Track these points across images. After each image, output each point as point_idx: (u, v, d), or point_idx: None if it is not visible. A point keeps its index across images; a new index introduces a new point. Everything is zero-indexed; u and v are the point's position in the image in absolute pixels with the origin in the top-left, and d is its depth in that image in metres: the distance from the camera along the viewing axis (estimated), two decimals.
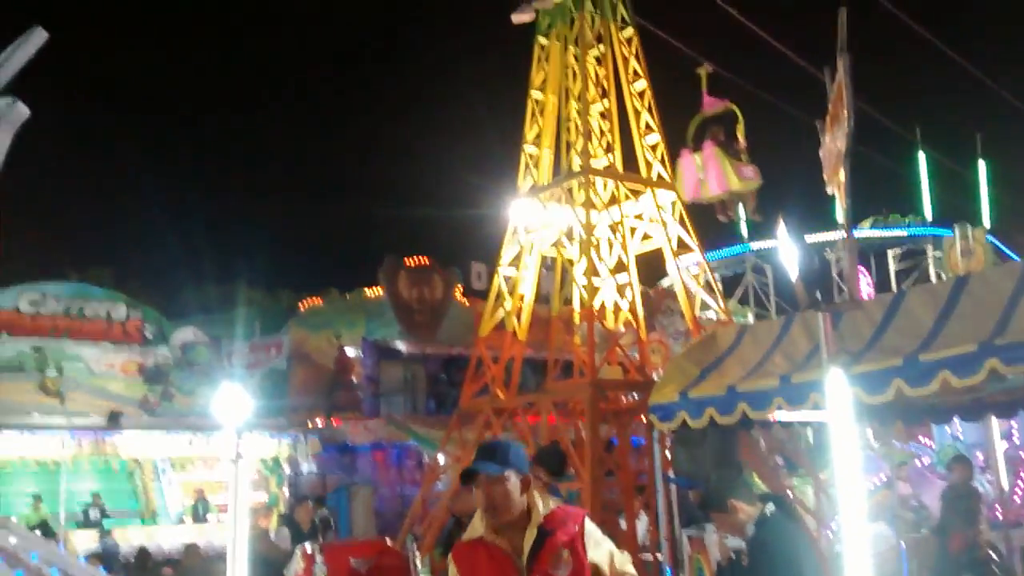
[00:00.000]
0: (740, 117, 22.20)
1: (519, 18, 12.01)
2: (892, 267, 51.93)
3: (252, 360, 36.84)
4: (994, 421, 16.46)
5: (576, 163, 25.35)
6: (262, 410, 28.82)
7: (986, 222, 46.99)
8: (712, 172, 23.55)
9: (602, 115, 26.01)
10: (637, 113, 26.25)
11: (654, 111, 26.25)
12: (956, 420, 18.03)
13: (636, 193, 25.79)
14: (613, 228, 25.40)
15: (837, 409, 6.76)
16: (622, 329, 25.07)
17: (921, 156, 48.59)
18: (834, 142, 13.16)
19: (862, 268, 47.24)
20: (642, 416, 18.17)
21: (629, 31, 26.57)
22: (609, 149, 25.95)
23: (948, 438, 22.33)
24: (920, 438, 23.12)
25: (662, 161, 25.92)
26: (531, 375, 32.45)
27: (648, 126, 26.19)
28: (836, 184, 12.88)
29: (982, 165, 49.08)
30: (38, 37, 10.48)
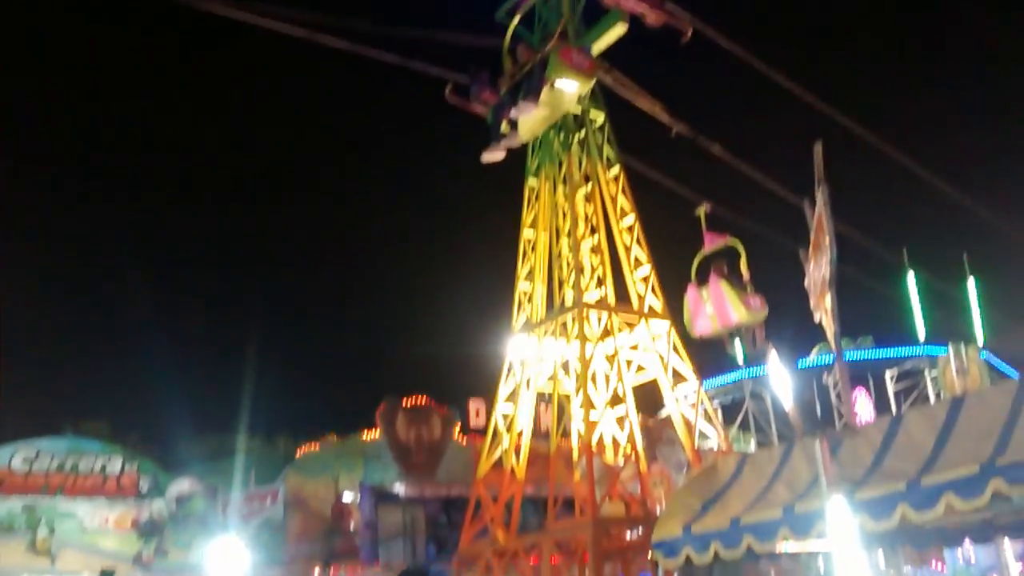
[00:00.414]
0: (742, 251, 22.54)
1: (490, 157, 12.34)
2: (891, 387, 51.79)
3: (248, 510, 36.16)
4: (1006, 542, 16.13)
5: (569, 298, 25.65)
6: (259, 561, 28.11)
7: (979, 340, 47.17)
8: (720, 306, 23.64)
9: (592, 250, 26.48)
10: (627, 247, 26.74)
11: (643, 244, 26.75)
12: (967, 542, 17.68)
13: (630, 324, 25.99)
14: (609, 360, 25.48)
15: (841, 537, 6.70)
16: (622, 463, 24.79)
17: (910, 276, 49.22)
18: (818, 270, 13.44)
19: (862, 389, 47.09)
20: (647, 553, 17.80)
21: (616, 169, 27.36)
22: (601, 283, 26.31)
23: (960, 562, 21.82)
24: (932, 562, 22.60)
25: (654, 292, 26.22)
26: (532, 514, 31.84)
27: (638, 259, 26.63)
28: (823, 311, 13.10)
29: (971, 283, 49.65)
30: None
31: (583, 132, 27.60)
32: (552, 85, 12.49)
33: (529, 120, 12.97)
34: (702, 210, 22.63)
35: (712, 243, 22.66)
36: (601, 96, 28.13)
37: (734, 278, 22.39)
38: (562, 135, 27.14)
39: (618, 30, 25.92)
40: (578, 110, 24.78)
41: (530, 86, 12.80)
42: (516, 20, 12.76)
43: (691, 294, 22.27)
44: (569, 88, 13.02)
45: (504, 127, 12.75)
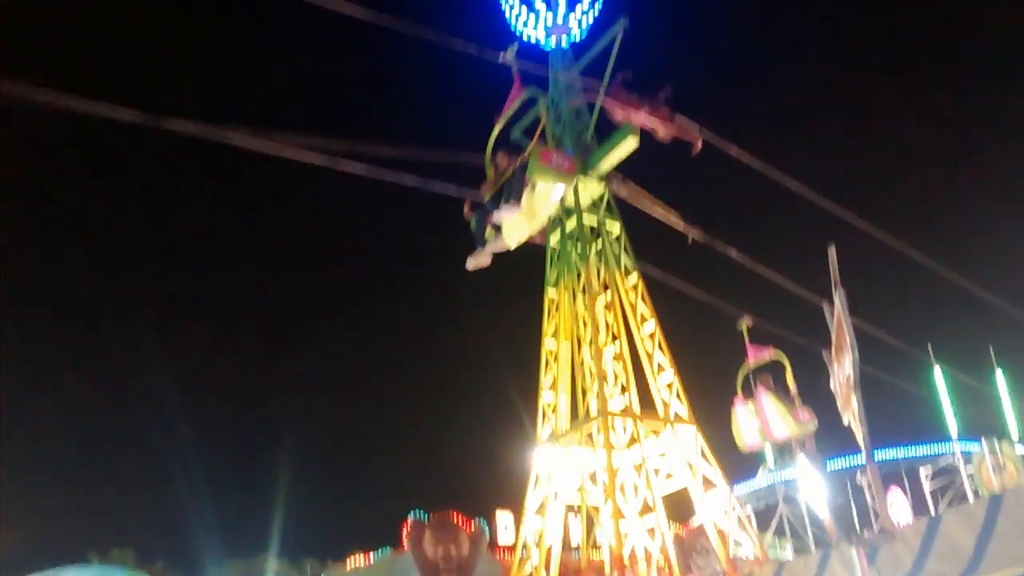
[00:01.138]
0: (787, 364, 22.42)
1: (475, 263, 12.19)
2: (927, 486, 50.58)
3: None
4: None
5: (593, 407, 25.57)
6: None
7: (1013, 434, 46.25)
8: (768, 420, 23.30)
9: (615, 358, 26.52)
10: (649, 354, 26.77)
11: (665, 350, 26.77)
12: None
13: (656, 432, 25.81)
14: (636, 469, 25.21)
15: None
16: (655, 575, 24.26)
17: (937, 372, 48.61)
18: (842, 372, 13.43)
19: (898, 489, 46.03)
20: None
21: (634, 277, 27.62)
22: (625, 390, 26.24)
23: None
24: None
25: (678, 397, 26.11)
26: None
27: (660, 365, 26.62)
28: (851, 413, 13.04)
29: (1000, 376, 48.92)
30: None
31: (600, 242, 28.02)
32: (533, 187, 12.53)
33: (513, 224, 13.02)
34: (744, 324, 22.48)
35: (757, 356, 22.42)
36: (616, 207, 28.67)
37: (780, 391, 22.07)
38: (579, 246, 27.57)
39: (630, 144, 26.59)
40: (555, 211, 25.20)
41: (511, 190, 12.82)
42: (497, 129, 12.75)
43: (739, 408, 21.84)
44: (551, 190, 13.11)
45: (489, 232, 12.81)
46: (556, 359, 27.10)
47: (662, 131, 25.91)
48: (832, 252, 13.93)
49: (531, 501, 25.98)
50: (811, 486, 17.46)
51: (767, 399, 21.07)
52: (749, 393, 22.00)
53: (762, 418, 20.85)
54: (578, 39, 31.12)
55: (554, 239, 28.54)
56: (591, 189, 28.03)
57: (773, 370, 22.23)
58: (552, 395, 26.89)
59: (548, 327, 27.57)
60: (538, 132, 12.41)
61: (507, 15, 31.24)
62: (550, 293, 27.75)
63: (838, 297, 13.52)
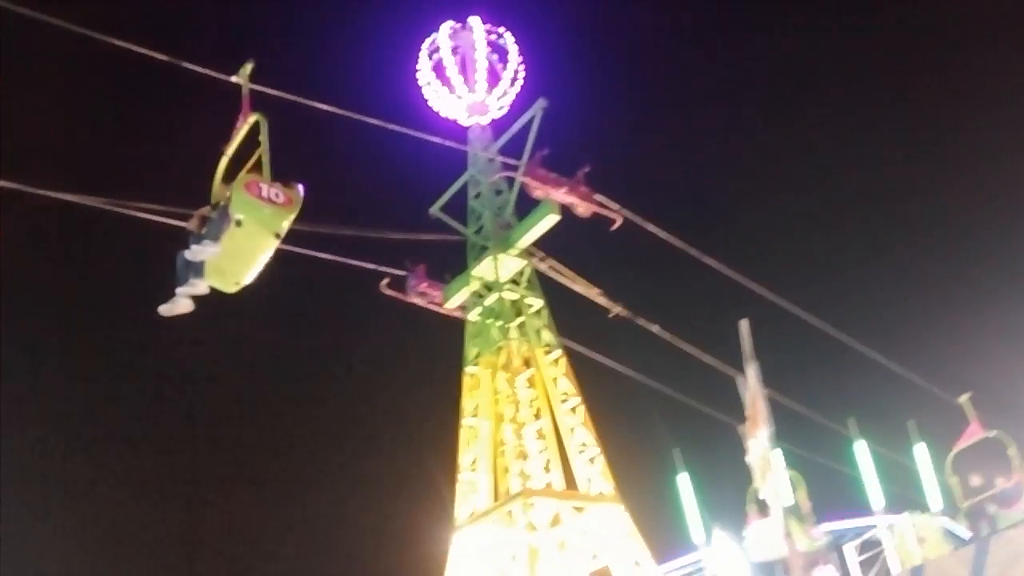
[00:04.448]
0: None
1: (170, 309, 11.23)
2: (853, 560, 50.69)
3: None
4: None
5: (514, 485, 25.07)
6: None
7: (934, 506, 46.81)
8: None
9: (538, 435, 26.17)
10: (572, 430, 26.49)
11: (590, 426, 26.52)
12: None
13: (580, 509, 25.37)
14: (560, 549, 24.66)
15: None
16: None
17: (861, 446, 49.13)
18: (758, 446, 13.34)
19: (826, 565, 45.92)
20: None
21: (557, 352, 27.46)
22: (548, 468, 25.85)
23: None
24: None
25: (603, 475, 25.80)
26: None
27: (584, 443, 26.34)
28: (767, 487, 12.91)
29: (920, 449, 49.64)
30: None
31: (521, 318, 27.89)
32: (238, 223, 11.22)
33: (220, 266, 11.63)
34: (966, 400, 21.71)
35: (970, 436, 21.69)
36: (538, 282, 28.63)
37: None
38: (500, 322, 27.38)
39: (550, 220, 26.71)
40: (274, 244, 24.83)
41: (211, 227, 11.38)
42: (225, 160, 11.28)
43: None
44: (263, 227, 11.51)
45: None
46: (476, 437, 26.64)
47: (582, 208, 26.08)
48: (745, 326, 13.94)
49: None
50: (731, 565, 17.23)
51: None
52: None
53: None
54: (497, 117, 31.48)
55: (473, 314, 28.28)
56: (512, 264, 27.98)
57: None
58: (472, 474, 26.34)
59: (467, 404, 27.15)
60: (253, 160, 11.17)
61: (424, 92, 31.41)
62: (468, 370, 27.40)
63: (751, 370, 13.51)
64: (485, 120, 31.42)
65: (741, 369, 14.01)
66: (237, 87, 11.27)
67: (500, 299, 27.69)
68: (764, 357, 13.94)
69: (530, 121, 27.56)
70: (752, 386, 13.33)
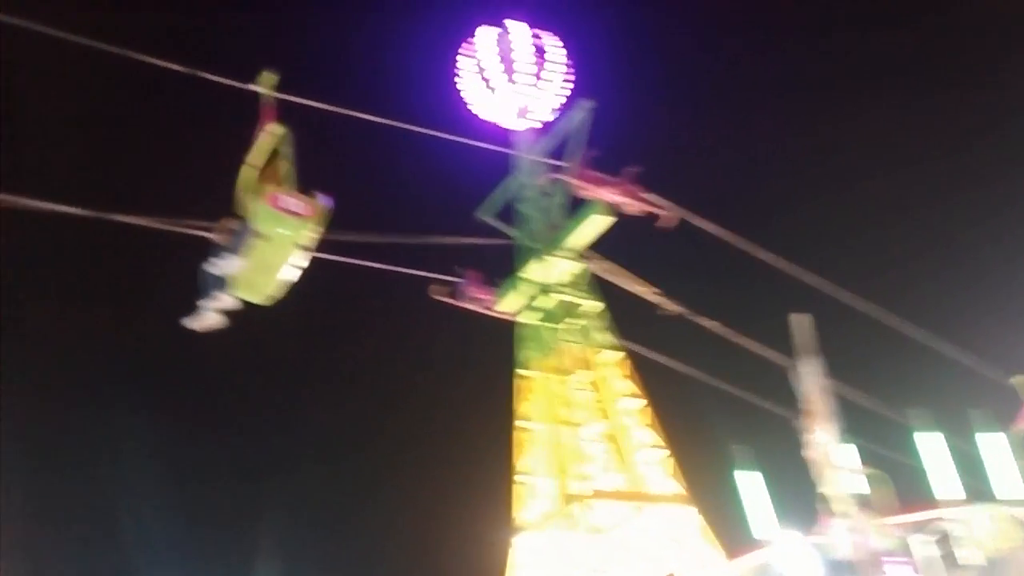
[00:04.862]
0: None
1: (200, 323, 10.98)
2: (921, 554, 49.46)
3: None
4: None
5: (576, 488, 24.94)
6: None
7: (1004, 494, 45.47)
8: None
9: (600, 437, 26.03)
10: (635, 430, 26.29)
11: (657, 426, 26.26)
12: None
13: (645, 511, 25.14)
14: (625, 552, 24.49)
15: None
16: None
17: (926, 437, 47.90)
18: (819, 441, 13.20)
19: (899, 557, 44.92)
20: None
21: (618, 354, 27.24)
22: (612, 470, 25.71)
23: None
24: None
25: (671, 475, 25.58)
26: None
27: (650, 443, 26.12)
28: (829, 482, 12.76)
29: (989, 437, 48.25)
30: None
31: (577, 320, 27.78)
32: (264, 235, 11.13)
33: (246, 279, 11.53)
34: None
35: None
36: (596, 285, 28.40)
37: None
38: (555, 324, 27.30)
39: (601, 221, 26.55)
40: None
41: (234, 240, 11.23)
42: (248, 169, 11.03)
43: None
44: (289, 238, 11.37)
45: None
46: (533, 440, 26.56)
47: (631, 207, 25.90)
48: (802, 320, 13.77)
49: None
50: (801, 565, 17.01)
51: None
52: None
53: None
54: (544, 120, 31.23)
55: (526, 317, 28.14)
56: (564, 267, 27.84)
57: None
58: (530, 477, 26.27)
59: (523, 407, 27.06)
60: (275, 171, 10.98)
61: (464, 97, 31.33)
62: (523, 373, 27.31)
63: (809, 365, 13.34)
64: (531, 124, 31.25)
65: (797, 364, 13.85)
66: (266, 97, 11.28)
67: (555, 301, 27.60)
68: (822, 351, 13.75)
69: (576, 123, 27.49)
70: (813, 381, 13.19)
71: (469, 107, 31.30)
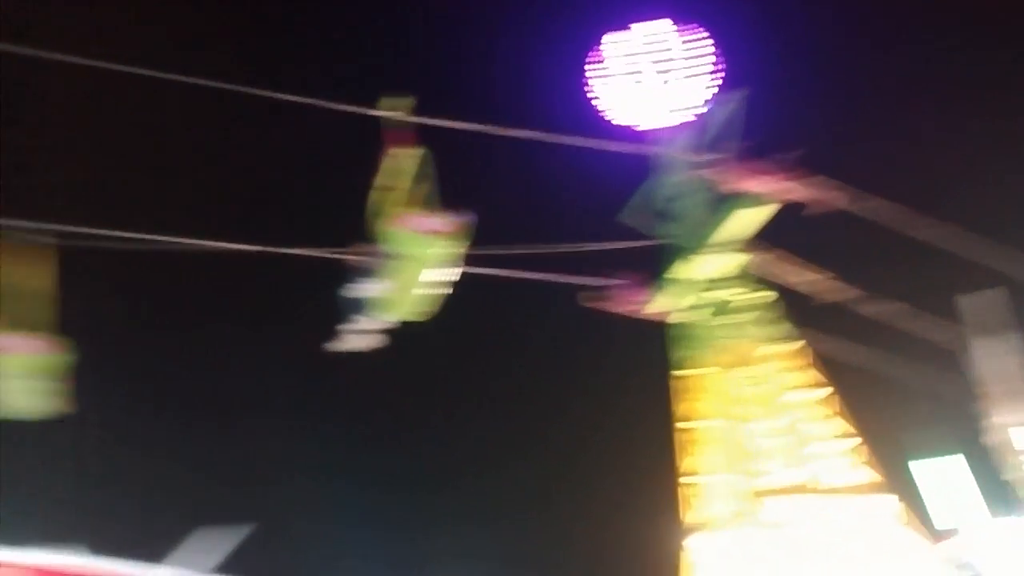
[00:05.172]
0: None
1: (349, 343, 10.64)
2: None
3: None
4: None
5: (753, 484, 24.36)
6: None
7: None
8: None
9: (783, 430, 25.37)
10: (819, 421, 25.51)
11: (846, 415, 25.36)
12: None
13: (835, 504, 24.29)
14: (813, 547, 23.66)
15: None
16: None
17: None
18: (1001, 425, 12.31)
19: None
20: None
21: (795, 344, 26.47)
22: (792, 463, 25.00)
23: None
24: None
25: (866, 464, 24.66)
26: None
27: (837, 433, 25.28)
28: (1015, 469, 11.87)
29: None
30: None
31: (743, 315, 27.20)
32: (403, 257, 10.88)
33: (391, 299, 11.15)
34: None
35: None
36: (759, 276, 27.69)
37: None
38: (719, 319, 26.82)
39: (758, 211, 25.83)
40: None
41: (373, 263, 10.85)
42: (379, 192, 10.68)
43: None
44: (429, 257, 11.09)
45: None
46: (701, 441, 26.11)
47: (790, 195, 25.05)
48: (985, 297, 13.00)
49: None
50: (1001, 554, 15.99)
51: None
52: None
53: None
54: (697, 114, 30.53)
55: (684, 317, 27.66)
56: (723, 261, 27.24)
57: None
58: (700, 478, 25.83)
59: (685, 409, 26.63)
60: (412, 190, 10.80)
61: (597, 104, 31.03)
62: (683, 374, 26.87)
63: (997, 345, 12.57)
64: (682, 118, 30.64)
65: (974, 345, 13.06)
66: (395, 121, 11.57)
67: (714, 297, 27.09)
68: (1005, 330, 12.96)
69: (728, 113, 26.91)
70: (996, 361, 12.43)
71: (603, 112, 30.86)
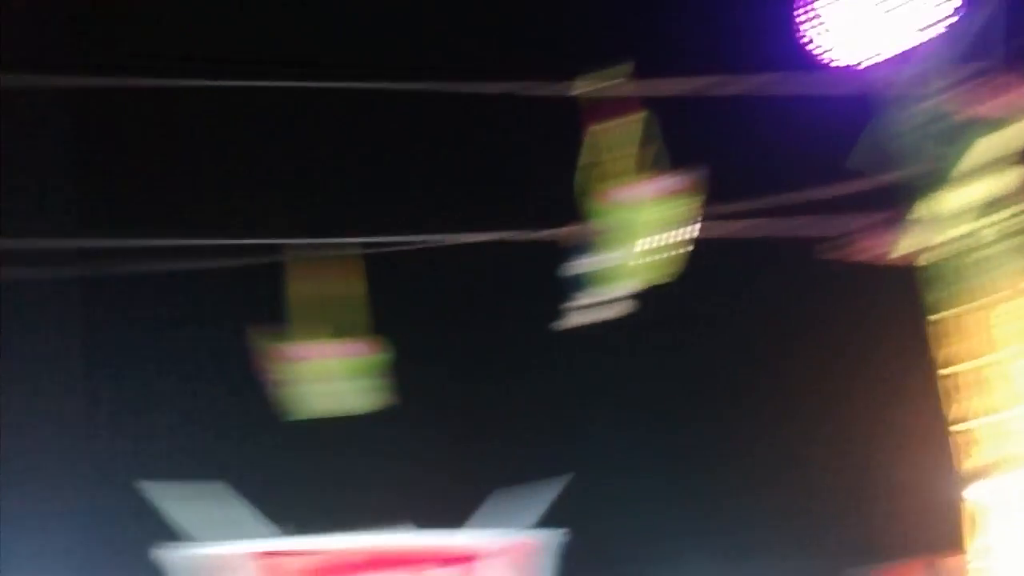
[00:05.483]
0: None
1: (572, 322, 10.04)
2: None
3: None
4: None
5: None
6: None
7: None
8: None
9: None
10: None
11: None
12: None
13: None
14: None
15: None
16: None
17: None
18: None
19: None
20: None
21: None
22: None
23: None
24: None
25: None
26: None
27: None
28: None
29: None
30: None
31: (1008, 243, 25.52)
32: (625, 232, 10.23)
33: (618, 272, 10.47)
34: None
35: None
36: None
37: None
38: (977, 254, 25.26)
39: (1013, 132, 24.08)
40: None
41: (590, 239, 10.23)
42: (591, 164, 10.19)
43: None
44: (652, 228, 10.37)
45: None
46: (967, 386, 24.66)
47: None
48: None
49: (979, 545, 23.60)
50: None
51: None
52: None
53: None
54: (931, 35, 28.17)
55: (940, 253, 26.25)
56: (976, 191, 25.42)
57: None
58: (974, 422, 24.46)
59: (946, 354, 25.19)
60: (632, 158, 10.30)
61: (811, 46, 29.20)
62: (939, 317, 25.39)
63: None
64: (914, 42, 28.48)
65: None
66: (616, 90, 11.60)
67: (969, 229, 25.44)
68: None
69: (959, 33, 24.95)
70: None
71: (821, 56, 29.13)
